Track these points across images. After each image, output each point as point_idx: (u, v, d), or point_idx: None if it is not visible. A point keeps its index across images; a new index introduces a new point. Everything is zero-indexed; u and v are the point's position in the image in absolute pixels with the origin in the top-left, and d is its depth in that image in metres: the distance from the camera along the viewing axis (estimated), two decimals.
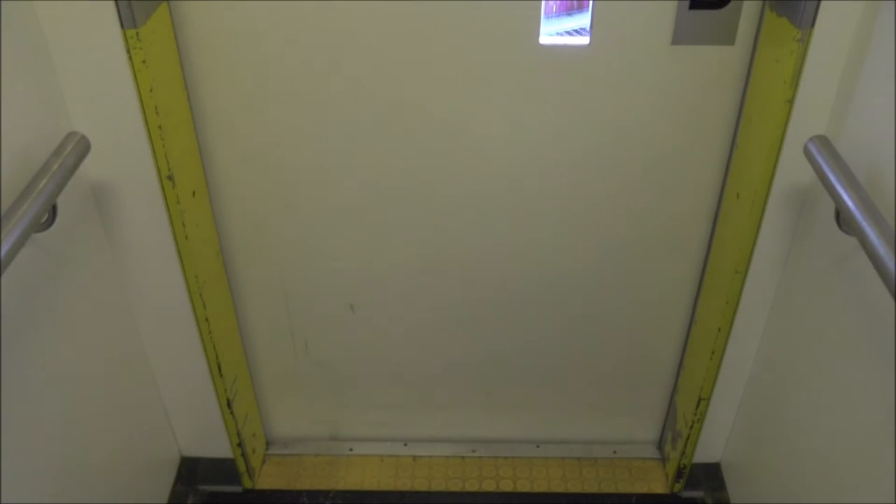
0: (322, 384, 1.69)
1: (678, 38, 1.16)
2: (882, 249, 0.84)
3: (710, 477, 1.67)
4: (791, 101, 1.08)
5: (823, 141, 1.00)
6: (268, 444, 1.79)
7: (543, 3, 1.13)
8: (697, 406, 1.51)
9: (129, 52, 1.06)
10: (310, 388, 1.70)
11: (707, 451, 1.64)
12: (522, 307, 1.54)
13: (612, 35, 1.16)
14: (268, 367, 1.66)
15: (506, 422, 1.77)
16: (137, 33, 1.04)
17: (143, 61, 1.06)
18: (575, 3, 1.15)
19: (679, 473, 1.66)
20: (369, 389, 1.71)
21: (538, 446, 1.78)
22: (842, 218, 0.99)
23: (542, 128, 1.27)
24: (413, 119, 1.26)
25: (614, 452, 1.78)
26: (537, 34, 1.16)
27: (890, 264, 0.82)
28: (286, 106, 1.24)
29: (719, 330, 1.36)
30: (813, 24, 1.02)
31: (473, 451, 1.78)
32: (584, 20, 1.16)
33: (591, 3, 1.13)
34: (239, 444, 1.61)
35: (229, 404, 1.52)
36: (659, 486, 1.71)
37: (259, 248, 1.44)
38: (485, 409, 1.74)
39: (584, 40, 1.17)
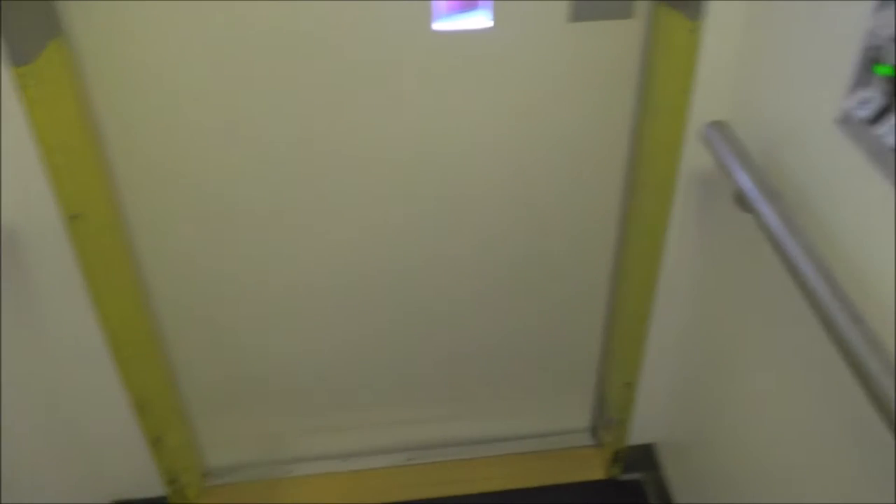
0: (258, 406, 1.66)
1: (576, 15, 1.17)
2: (777, 226, 0.88)
3: (646, 458, 1.71)
4: (689, 90, 1.12)
5: (720, 126, 1.04)
6: (206, 474, 1.76)
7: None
8: (626, 391, 1.55)
9: (20, 90, 1.03)
10: (246, 411, 1.67)
11: (641, 433, 1.68)
12: (446, 312, 1.55)
13: (510, 16, 1.17)
14: (201, 395, 1.62)
15: (442, 426, 1.77)
16: (28, 70, 1.01)
17: (37, 99, 1.03)
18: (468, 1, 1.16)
19: (615, 458, 1.69)
20: (305, 407, 1.69)
21: (475, 447, 1.80)
22: (741, 198, 1.03)
23: (450, 116, 1.27)
24: (316, 124, 1.25)
25: (551, 444, 1.80)
26: (429, 21, 1.16)
27: (788, 243, 0.87)
28: (196, 131, 1.22)
29: (639, 316, 1.39)
30: (704, 16, 1.06)
31: (411, 459, 1.78)
32: (478, 17, 1.17)
33: None
34: (172, 481, 1.57)
35: (158, 441, 1.49)
36: (597, 473, 1.75)
37: (181, 273, 1.41)
38: (420, 415, 1.74)
39: (480, 24, 1.17)
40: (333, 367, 1.62)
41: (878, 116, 0.80)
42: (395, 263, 1.45)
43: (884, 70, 0.79)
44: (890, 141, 0.77)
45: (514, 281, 1.51)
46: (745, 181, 0.96)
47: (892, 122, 0.78)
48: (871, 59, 0.81)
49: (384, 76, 1.21)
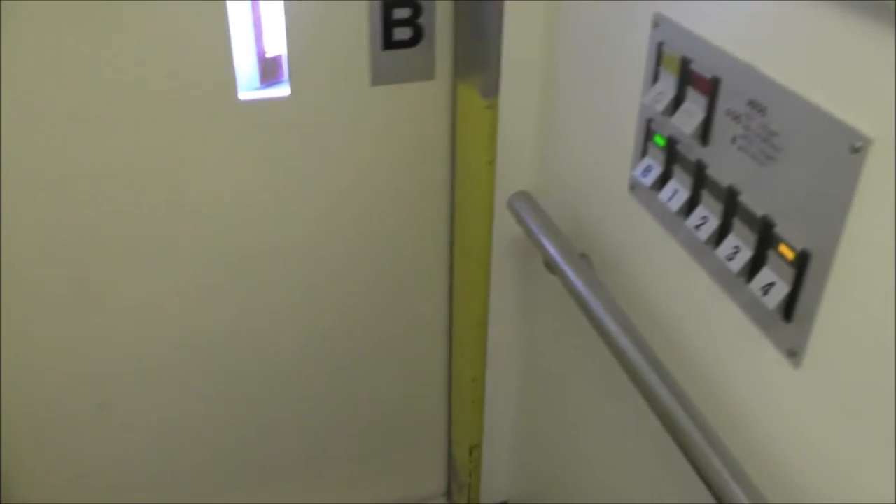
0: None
1: (378, 79, 1.18)
2: (581, 288, 0.93)
3: None
4: (492, 162, 1.16)
5: (524, 195, 1.09)
6: None
7: (235, 64, 1.13)
8: (471, 454, 1.56)
9: None
10: None
11: (492, 493, 1.69)
12: (282, 382, 1.51)
13: (311, 84, 1.17)
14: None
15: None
16: None
17: None
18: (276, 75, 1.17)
19: None
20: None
21: None
22: (548, 262, 1.08)
23: (260, 187, 1.25)
24: (123, 191, 1.20)
25: None
26: (236, 91, 1.15)
27: (592, 302, 0.91)
28: None
29: (474, 379, 1.42)
30: (498, 93, 1.11)
31: None
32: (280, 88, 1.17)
33: (285, 53, 1.14)
34: None
35: None
36: None
37: None
38: (264, 495, 1.68)
39: (285, 91, 1.17)
40: (164, 451, 1.54)
41: (661, 183, 0.86)
42: (213, 339, 1.40)
43: (659, 140, 0.86)
44: (671, 206, 0.83)
45: (352, 353, 1.50)
46: (549, 247, 1.00)
47: (672, 188, 0.84)
48: (651, 130, 0.87)
49: (190, 146, 1.18)
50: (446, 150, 1.29)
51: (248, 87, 1.19)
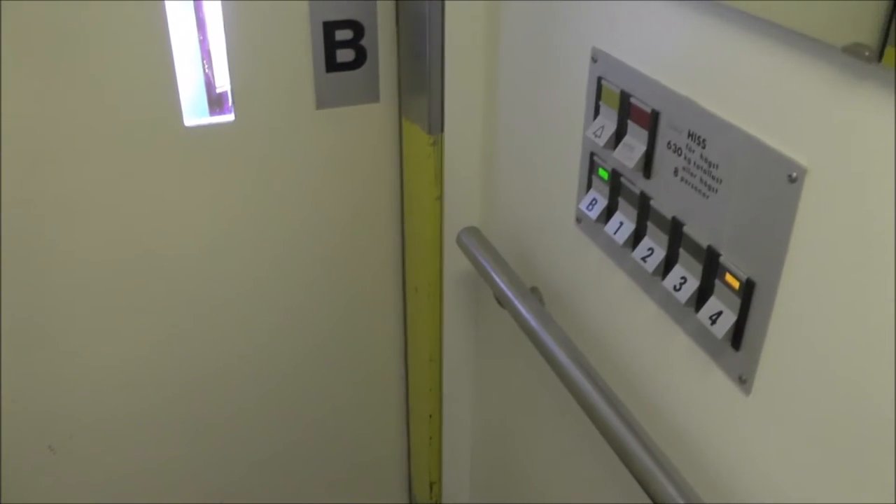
0: None
1: (322, 102, 1.18)
2: (530, 320, 0.93)
3: None
4: (440, 198, 1.17)
5: (472, 231, 1.09)
6: None
7: (180, 91, 1.12)
8: (431, 490, 1.55)
9: None
10: None
11: None
12: (241, 422, 1.48)
13: (255, 108, 1.16)
14: None
15: None
16: None
17: None
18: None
19: None
20: None
21: None
22: (498, 296, 1.08)
23: (209, 217, 1.23)
24: (61, 215, 1.17)
25: None
26: (181, 118, 1.14)
27: (541, 335, 0.91)
28: None
29: (430, 416, 1.41)
30: (442, 129, 1.11)
31: None
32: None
33: (227, 77, 1.13)
34: None
35: None
36: None
37: None
38: None
39: (229, 118, 1.16)
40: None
41: (607, 216, 0.87)
42: (166, 378, 1.37)
43: (603, 173, 0.87)
44: (618, 238, 0.84)
45: (308, 392, 1.48)
46: (499, 282, 1.00)
47: (618, 220, 0.84)
48: (595, 164, 0.88)
49: (139, 175, 1.17)
50: (395, 179, 1.29)
51: (198, 116, 1.17)
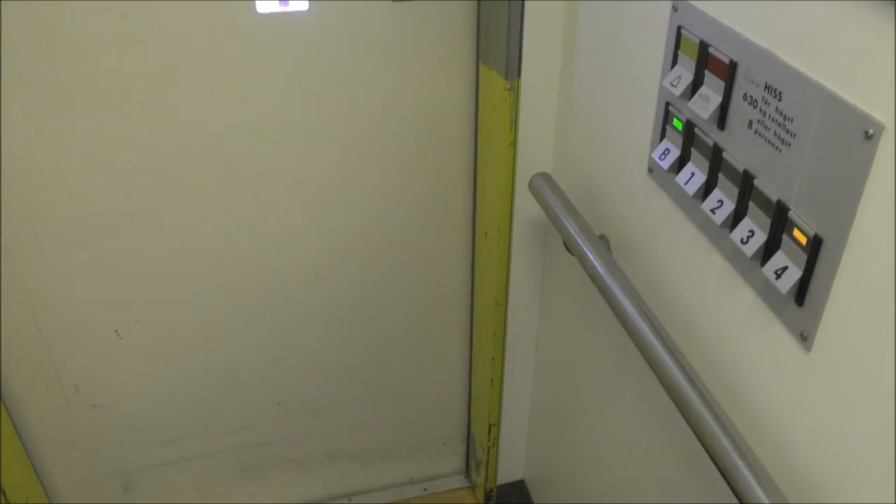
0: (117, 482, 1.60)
1: None
2: (599, 268, 0.94)
3: (517, 494, 1.75)
4: (514, 144, 1.17)
5: (545, 177, 1.10)
6: None
7: None
8: (489, 432, 1.58)
9: None
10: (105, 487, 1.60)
11: (509, 471, 1.72)
12: (311, 359, 1.54)
13: None
14: (57, 469, 1.54)
15: (315, 481, 1.76)
16: None
17: None
18: None
19: (487, 497, 1.72)
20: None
21: (350, 499, 1.79)
22: (567, 243, 1.09)
23: (274, 106, 1.22)
24: (139, 108, 1.18)
25: (425, 490, 1.81)
26: (254, 3, 1.12)
27: (609, 283, 0.92)
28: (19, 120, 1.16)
29: (493, 359, 1.43)
30: (519, 75, 1.11)
31: None
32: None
33: None
34: None
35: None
36: None
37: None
38: (295, 470, 1.72)
39: (303, 5, 1.13)
40: (189, 401, 1.56)
41: (679, 166, 0.87)
42: (229, 275, 1.39)
43: (677, 123, 0.86)
44: (688, 189, 0.83)
45: (380, 338, 1.53)
46: (570, 228, 1.01)
47: (689, 171, 0.84)
48: (670, 114, 0.88)
49: (209, 61, 1.17)
50: (470, 111, 1.28)
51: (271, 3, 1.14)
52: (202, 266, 1.36)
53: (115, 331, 1.40)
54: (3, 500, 1.40)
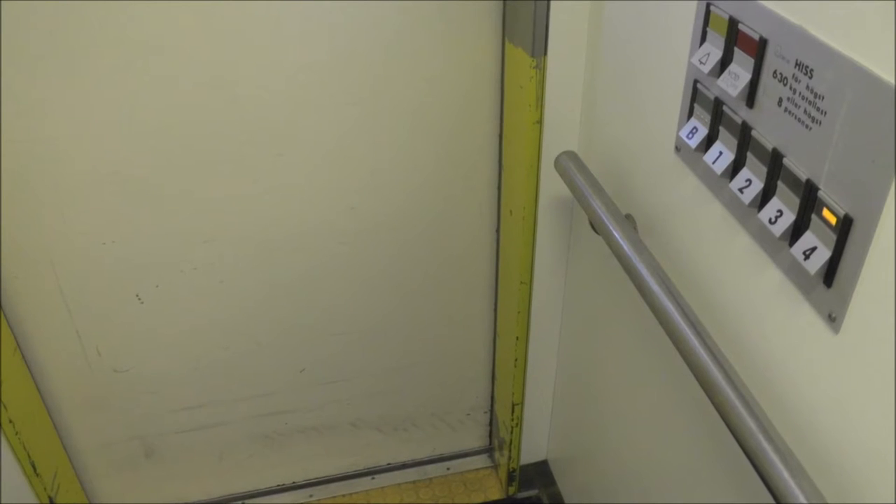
0: (151, 464, 1.63)
1: None
2: (625, 248, 0.93)
3: (540, 474, 1.75)
4: (540, 122, 1.16)
5: (571, 156, 1.09)
6: None
7: None
8: (513, 412, 1.58)
9: None
10: (137, 463, 1.63)
11: (533, 451, 1.72)
12: (337, 340, 1.55)
13: None
14: (87, 442, 1.57)
15: (336, 451, 1.77)
16: None
17: None
18: None
19: (511, 477, 1.72)
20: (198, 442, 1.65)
21: (373, 478, 1.80)
22: (593, 222, 1.08)
23: (302, 68, 1.22)
24: (163, 66, 1.17)
25: (448, 469, 1.82)
26: None
27: (635, 262, 0.91)
28: (46, 86, 1.16)
29: (517, 338, 1.43)
30: (546, 52, 1.10)
31: (311, 496, 1.77)
32: None
33: None
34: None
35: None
36: (495, 493, 1.77)
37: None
38: (316, 439, 1.73)
39: None
40: (211, 373, 1.57)
41: (706, 145, 0.86)
42: (249, 238, 1.39)
43: (705, 101, 0.85)
44: (716, 168, 0.82)
45: (404, 310, 1.53)
46: (596, 207, 1.00)
47: (717, 150, 0.83)
48: (698, 91, 0.86)
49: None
50: (496, 87, 1.28)
51: None
52: (224, 231, 1.36)
53: (136, 295, 1.40)
54: (30, 470, 1.43)
